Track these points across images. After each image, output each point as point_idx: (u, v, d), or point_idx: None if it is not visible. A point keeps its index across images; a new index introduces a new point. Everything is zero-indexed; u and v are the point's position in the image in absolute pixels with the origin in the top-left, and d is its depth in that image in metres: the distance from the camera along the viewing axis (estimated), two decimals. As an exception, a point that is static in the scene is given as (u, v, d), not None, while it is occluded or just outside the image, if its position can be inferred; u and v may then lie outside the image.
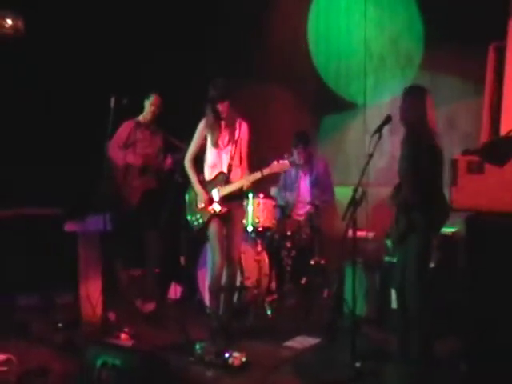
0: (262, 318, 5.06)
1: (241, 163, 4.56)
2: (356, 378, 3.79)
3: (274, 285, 5.37)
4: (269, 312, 5.09)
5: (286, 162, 4.35)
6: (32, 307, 5.26)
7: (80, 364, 3.70)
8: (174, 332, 4.66)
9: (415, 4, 5.53)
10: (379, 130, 3.90)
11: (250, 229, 5.17)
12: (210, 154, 4.57)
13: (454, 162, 3.72)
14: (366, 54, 5.93)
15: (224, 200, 4.48)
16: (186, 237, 5.03)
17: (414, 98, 3.92)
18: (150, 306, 5.29)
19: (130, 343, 4.43)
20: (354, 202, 3.87)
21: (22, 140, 5.79)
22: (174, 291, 5.67)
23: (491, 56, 4.59)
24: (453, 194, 3.70)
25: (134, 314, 5.16)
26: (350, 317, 4.12)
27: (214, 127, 4.49)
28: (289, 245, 5.29)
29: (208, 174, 4.60)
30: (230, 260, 4.53)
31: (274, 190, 5.81)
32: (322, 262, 5.27)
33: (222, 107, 4.42)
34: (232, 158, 4.49)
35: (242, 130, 4.55)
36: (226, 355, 4.01)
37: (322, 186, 5.50)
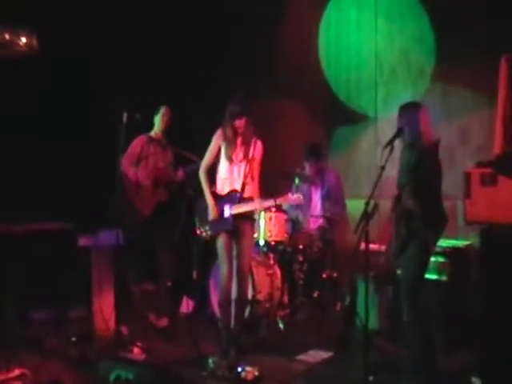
0: (274, 331, 5.04)
1: (252, 181, 4.58)
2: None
3: (286, 298, 5.34)
4: (281, 326, 5.07)
5: (301, 196, 4.39)
6: (45, 321, 5.27)
7: (93, 378, 3.72)
8: (186, 346, 4.66)
9: (426, 16, 5.53)
10: (391, 142, 3.90)
11: (262, 242, 5.17)
12: (223, 166, 4.58)
13: (468, 175, 3.72)
14: (377, 65, 5.94)
15: (234, 217, 4.48)
16: (198, 251, 5.04)
17: (409, 113, 4.00)
18: (163, 322, 5.29)
19: (142, 357, 4.44)
20: (367, 215, 3.86)
21: (35, 154, 5.85)
22: (186, 305, 5.68)
23: (503, 67, 4.57)
24: (466, 207, 3.69)
25: (146, 328, 5.16)
26: (363, 330, 4.10)
27: (231, 141, 4.51)
28: (301, 258, 5.28)
29: (220, 186, 4.60)
30: (241, 274, 4.52)
31: (285, 204, 5.80)
32: (334, 275, 5.25)
33: (239, 123, 4.44)
34: (245, 176, 4.50)
35: (257, 148, 4.56)
36: (239, 369, 4.01)
37: (334, 199, 5.49)
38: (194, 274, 5.18)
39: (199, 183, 4.62)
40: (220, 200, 4.56)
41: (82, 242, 5.11)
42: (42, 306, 5.32)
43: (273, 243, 5.19)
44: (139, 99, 5.16)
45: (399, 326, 4.70)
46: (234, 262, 4.51)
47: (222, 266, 4.49)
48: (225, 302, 4.49)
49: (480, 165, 3.78)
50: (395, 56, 5.84)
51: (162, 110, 5.40)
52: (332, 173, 5.65)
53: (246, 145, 4.52)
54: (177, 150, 5.48)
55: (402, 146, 4.01)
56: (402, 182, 3.95)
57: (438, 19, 5.45)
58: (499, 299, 3.61)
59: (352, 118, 6.12)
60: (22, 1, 5.36)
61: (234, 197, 4.50)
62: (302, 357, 4.53)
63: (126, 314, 5.07)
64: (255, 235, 4.96)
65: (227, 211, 4.50)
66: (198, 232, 4.63)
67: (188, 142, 5.36)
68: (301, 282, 5.25)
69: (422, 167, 3.81)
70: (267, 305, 5.08)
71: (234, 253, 4.52)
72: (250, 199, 4.50)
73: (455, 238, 4.83)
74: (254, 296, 4.98)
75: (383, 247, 5.25)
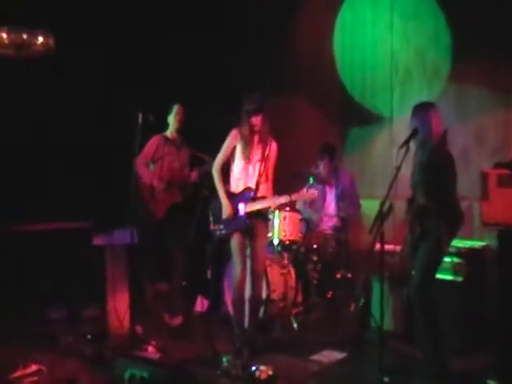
0: (288, 331, 5.03)
1: (266, 181, 4.58)
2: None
3: (300, 298, 5.34)
4: (295, 325, 5.06)
5: (315, 192, 4.40)
6: (61, 320, 5.33)
7: (108, 376, 3.74)
8: (200, 345, 4.67)
9: (442, 15, 5.49)
10: (406, 142, 3.89)
11: (276, 242, 5.17)
12: (238, 166, 4.59)
13: (485, 176, 3.69)
14: (392, 66, 5.91)
15: (249, 215, 4.49)
16: (212, 249, 5.05)
17: (420, 113, 4.01)
18: (177, 320, 5.30)
19: (156, 356, 4.45)
20: (382, 216, 3.85)
21: (51, 155, 5.91)
22: (201, 304, 5.69)
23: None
24: (483, 208, 3.67)
25: (160, 328, 5.18)
26: (377, 331, 4.08)
27: (248, 140, 4.51)
28: (315, 258, 5.27)
29: (234, 186, 4.61)
30: (255, 274, 4.52)
31: (299, 204, 5.80)
32: (349, 275, 5.23)
33: (255, 120, 4.44)
34: (260, 175, 4.50)
35: (272, 148, 4.57)
36: (253, 368, 4.00)
37: (348, 200, 5.48)
38: (209, 273, 5.19)
39: (214, 184, 4.63)
40: (234, 198, 4.56)
41: (97, 241, 5.15)
42: (58, 305, 5.38)
43: (287, 243, 5.18)
44: (154, 99, 5.18)
45: (414, 326, 4.69)
46: (248, 262, 4.52)
47: (236, 266, 4.49)
48: (238, 302, 4.50)
49: (497, 166, 3.75)
50: (410, 56, 5.80)
51: (175, 108, 5.38)
52: (347, 173, 5.64)
53: (264, 143, 4.53)
54: (192, 150, 5.49)
55: (415, 148, 4.00)
56: (415, 181, 3.96)
57: (454, 18, 5.40)
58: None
59: (367, 119, 6.10)
60: (39, 1, 5.41)
61: (248, 195, 4.50)
62: (315, 357, 4.51)
63: (141, 313, 5.09)
64: (269, 235, 4.96)
65: (242, 209, 4.51)
66: (212, 228, 4.65)
67: (200, 141, 5.37)
68: (315, 282, 5.25)
69: (433, 165, 3.79)
70: (281, 304, 5.08)
71: (248, 252, 4.52)
72: (264, 198, 4.51)
73: (470, 238, 4.79)
74: (268, 295, 4.99)
75: (398, 248, 5.24)
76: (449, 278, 4.51)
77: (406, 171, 3.87)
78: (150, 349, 4.55)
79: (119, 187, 5.06)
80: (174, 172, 5.38)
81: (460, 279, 4.49)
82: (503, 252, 3.62)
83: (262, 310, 4.86)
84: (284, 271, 5.15)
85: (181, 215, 5.33)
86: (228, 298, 5.27)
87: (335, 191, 5.55)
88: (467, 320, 4.42)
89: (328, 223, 5.54)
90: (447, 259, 4.25)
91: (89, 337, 4.85)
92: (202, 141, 5.25)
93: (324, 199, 5.62)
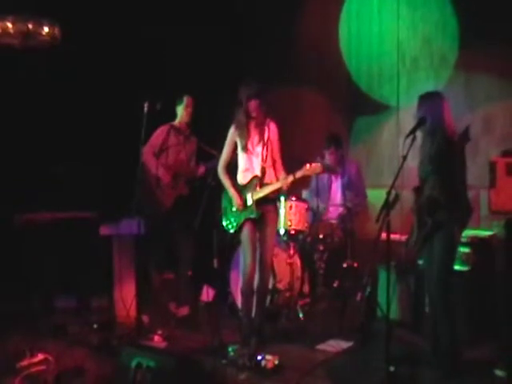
0: (294, 321, 5.04)
1: (274, 164, 4.56)
2: (390, 383, 3.74)
3: (306, 288, 5.34)
4: (301, 315, 5.06)
5: (319, 164, 4.33)
6: (68, 309, 5.35)
7: (115, 365, 3.75)
8: (206, 334, 4.67)
9: (449, 3, 5.45)
10: (413, 132, 3.86)
11: (282, 232, 5.16)
12: (241, 158, 4.58)
13: (493, 164, 3.66)
14: (399, 55, 5.87)
15: (258, 203, 4.48)
16: (218, 239, 5.05)
17: (431, 102, 3.94)
18: (183, 310, 5.31)
19: (163, 345, 4.47)
20: (388, 205, 3.83)
21: (58, 145, 5.91)
22: (207, 294, 5.70)
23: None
24: (491, 196, 3.65)
25: (166, 317, 5.19)
26: (384, 320, 4.08)
27: (243, 129, 4.48)
28: (321, 248, 5.27)
29: (241, 179, 4.60)
30: (263, 263, 4.52)
31: (305, 193, 5.79)
32: (355, 265, 5.22)
33: (252, 105, 4.41)
34: (264, 161, 4.49)
35: (271, 130, 4.54)
36: (259, 358, 4.01)
37: (355, 189, 5.46)
38: (215, 263, 5.19)
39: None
40: (242, 189, 4.56)
41: (104, 230, 5.17)
42: (65, 295, 5.41)
43: (293, 232, 5.17)
44: (162, 89, 5.16)
45: (421, 316, 4.69)
46: (257, 252, 4.51)
47: (247, 256, 4.48)
48: (248, 291, 4.50)
49: (506, 154, 3.72)
50: (417, 45, 5.75)
51: (185, 100, 5.32)
52: (353, 163, 5.62)
53: (260, 127, 4.50)
54: (199, 144, 5.46)
55: (422, 135, 3.96)
56: (424, 172, 3.92)
57: (460, 6, 5.36)
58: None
59: (374, 108, 6.06)
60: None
61: (255, 182, 4.50)
62: (322, 346, 4.52)
63: (147, 302, 5.10)
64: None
65: (249, 199, 4.50)
66: (223, 224, 4.64)
67: (209, 134, 5.35)
68: (321, 272, 5.25)
69: (446, 157, 3.75)
70: (287, 294, 5.09)
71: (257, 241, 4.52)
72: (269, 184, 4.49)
73: (478, 228, 4.77)
74: (274, 285, 4.99)
75: (404, 237, 5.23)
76: (456, 267, 4.48)
77: (413, 161, 3.85)
78: (157, 338, 4.58)
79: (126, 177, 5.05)
80: (180, 163, 5.36)
81: (467, 268, 4.47)
82: (511, 241, 3.59)
83: (268, 299, 4.86)
84: (290, 261, 5.14)
85: (187, 204, 5.32)
86: (234, 288, 5.28)
87: (341, 181, 5.53)
88: (475, 310, 4.40)
89: (334, 213, 5.52)
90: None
91: (96, 326, 4.88)
92: (213, 135, 5.23)
93: (329, 188, 5.60)
